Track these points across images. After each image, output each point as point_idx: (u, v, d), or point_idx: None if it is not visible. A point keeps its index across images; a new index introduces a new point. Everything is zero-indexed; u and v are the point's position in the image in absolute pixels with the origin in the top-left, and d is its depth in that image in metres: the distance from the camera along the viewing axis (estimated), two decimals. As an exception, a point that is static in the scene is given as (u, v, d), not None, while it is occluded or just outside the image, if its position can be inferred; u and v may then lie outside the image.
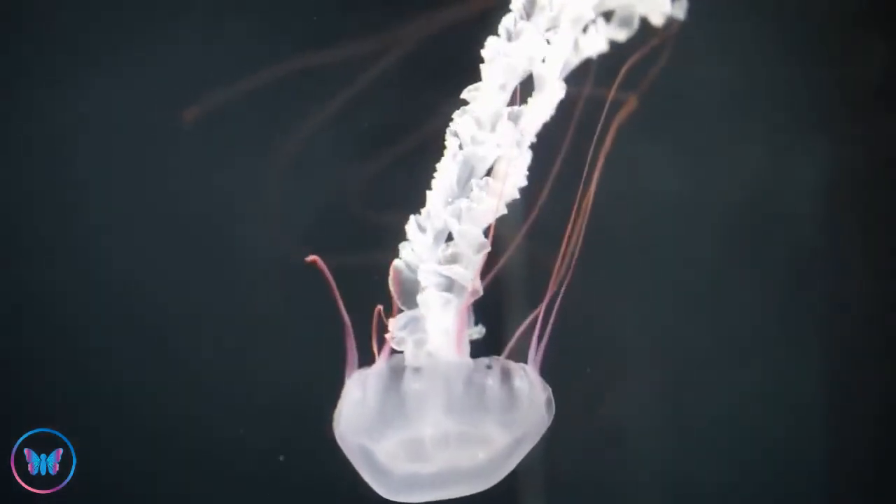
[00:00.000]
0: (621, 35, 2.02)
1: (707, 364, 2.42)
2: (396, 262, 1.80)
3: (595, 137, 1.91)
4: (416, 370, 1.78)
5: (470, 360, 1.79)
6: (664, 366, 2.41)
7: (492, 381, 1.76)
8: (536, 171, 1.92)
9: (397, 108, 2.25)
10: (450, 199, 1.79)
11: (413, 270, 1.79)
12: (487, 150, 1.80)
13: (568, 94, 1.88)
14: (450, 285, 1.78)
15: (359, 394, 1.79)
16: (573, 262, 1.88)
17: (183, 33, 2.27)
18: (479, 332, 1.83)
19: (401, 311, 1.79)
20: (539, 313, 1.83)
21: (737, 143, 2.39)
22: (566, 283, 1.85)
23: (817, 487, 2.47)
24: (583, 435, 1.92)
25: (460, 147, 1.80)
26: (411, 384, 1.77)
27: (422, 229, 1.79)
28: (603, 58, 2.00)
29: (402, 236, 1.78)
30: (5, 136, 2.27)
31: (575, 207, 1.92)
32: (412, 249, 1.79)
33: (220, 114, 2.22)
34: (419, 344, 1.78)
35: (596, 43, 1.99)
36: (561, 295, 1.84)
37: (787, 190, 2.42)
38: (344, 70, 2.22)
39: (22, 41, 2.24)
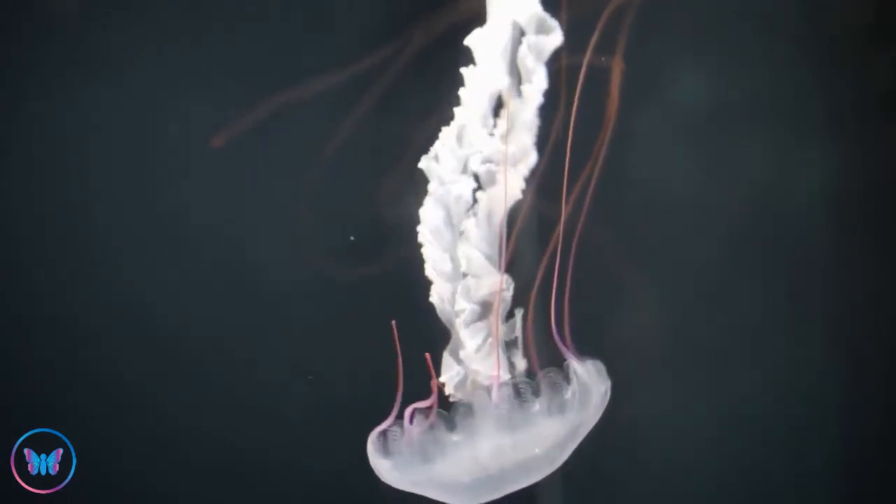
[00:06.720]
0: None
1: (712, 364, 2.43)
2: (432, 299, 1.90)
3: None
4: (452, 420, 1.84)
5: (511, 384, 1.83)
6: (671, 365, 2.41)
7: (539, 406, 1.80)
8: (540, 171, 1.94)
9: (408, 114, 2.24)
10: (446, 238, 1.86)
11: (449, 302, 1.85)
12: (461, 188, 1.84)
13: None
14: (482, 313, 1.83)
15: (389, 464, 1.86)
16: (584, 262, 1.89)
17: (202, 52, 2.27)
18: (520, 314, 1.89)
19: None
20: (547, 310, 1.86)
21: (747, 145, 2.39)
22: (575, 282, 1.86)
23: (826, 486, 2.47)
24: (593, 432, 1.94)
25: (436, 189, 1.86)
26: (451, 437, 1.82)
27: (439, 273, 1.84)
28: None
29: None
30: (22, 147, 2.28)
31: (581, 203, 1.94)
32: (439, 284, 1.86)
33: (242, 133, 2.23)
34: (463, 379, 1.83)
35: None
36: (569, 295, 1.86)
37: (796, 192, 2.42)
38: (353, 81, 2.23)
39: (36, 57, 2.25)
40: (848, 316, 2.45)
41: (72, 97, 2.25)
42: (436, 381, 1.87)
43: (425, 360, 1.89)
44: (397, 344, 1.86)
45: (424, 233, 1.89)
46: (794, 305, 2.44)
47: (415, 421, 1.85)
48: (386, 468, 1.86)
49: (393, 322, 1.87)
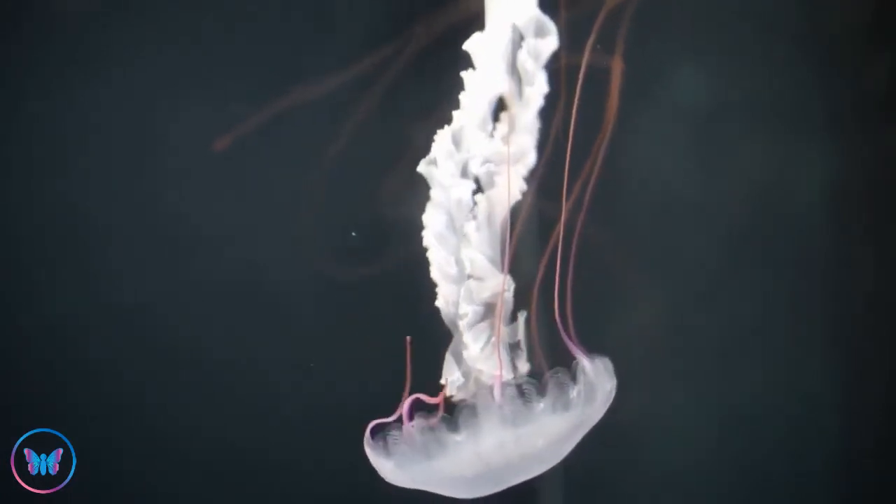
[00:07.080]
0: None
1: (712, 364, 2.43)
2: (438, 303, 1.90)
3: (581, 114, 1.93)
4: (452, 419, 1.84)
5: (514, 384, 1.83)
6: (671, 365, 2.41)
7: (543, 405, 1.80)
8: (540, 171, 1.94)
9: (408, 114, 2.25)
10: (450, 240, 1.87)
11: (454, 304, 1.86)
12: (461, 192, 1.84)
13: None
14: (486, 314, 1.84)
15: (391, 464, 1.86)
16: (584, 261, 1.90)
17: (202, 52, 2.27)
18: (522, 316, 1.89)
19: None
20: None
21: (747, 145, 2.39)
22: (576, 282, 1.87)
23: (826, 486, 2.47)
24: (593, 431, 1.94)
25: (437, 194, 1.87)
26: (454, 437, 1.82)
27: (445, 276, 1.85)
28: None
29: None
30: (22, 147, 2.28)
31: (581, 203, 1.94)
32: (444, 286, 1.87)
33: (242, 134, 2.23)
34: (466, 380, 1.84)
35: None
36: (570, 294, 1.86)
37: (796, 192, 2.42)
38: (353, 81, 2.23)
39: (36, 57, 2.25)
40: (848, 316, 2.45)
41: (72, 97, 2.25)
42: (445, 390, 1.87)
43: (427, 360, 1.89)
44: (408, 359, 1.86)
45: (429, 238, 1.89)
46: (794, 305, 2.44)
47: (416, 421, 1.85)
48: (388, 468, 1.86)
49: (408, 338, 1.87)
